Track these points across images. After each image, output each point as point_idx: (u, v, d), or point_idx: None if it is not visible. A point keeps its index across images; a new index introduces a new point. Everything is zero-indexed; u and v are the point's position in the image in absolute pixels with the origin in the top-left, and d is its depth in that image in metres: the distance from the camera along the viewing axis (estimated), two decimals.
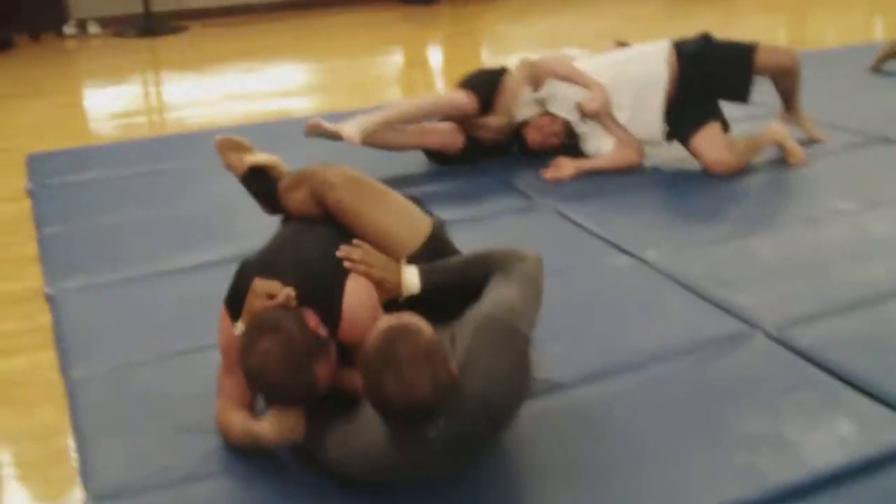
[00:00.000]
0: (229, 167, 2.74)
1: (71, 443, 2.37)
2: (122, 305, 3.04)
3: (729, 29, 6.90)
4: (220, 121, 5.09)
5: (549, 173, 3.95)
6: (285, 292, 2.11)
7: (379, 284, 2.25)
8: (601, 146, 4.00)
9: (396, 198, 2.44)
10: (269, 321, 2.05)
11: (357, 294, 2.19)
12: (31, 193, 3.99)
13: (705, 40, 3.98)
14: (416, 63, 6.89)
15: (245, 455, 2.22)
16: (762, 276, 3.06)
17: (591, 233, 3.44)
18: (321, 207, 2.38)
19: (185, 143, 4.68)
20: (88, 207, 3.83)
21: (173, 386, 2.57)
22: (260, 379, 2.05)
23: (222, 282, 3.09)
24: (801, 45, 6.85)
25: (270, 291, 2.12)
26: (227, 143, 2.71)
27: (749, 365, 2.55)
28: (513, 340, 1.99)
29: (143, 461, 2.26)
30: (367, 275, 2.23)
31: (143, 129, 5.17)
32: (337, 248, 2.26)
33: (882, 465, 2.12)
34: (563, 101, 4.01)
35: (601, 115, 3.92)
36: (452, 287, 2.25)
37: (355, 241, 2.29)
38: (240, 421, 2.21)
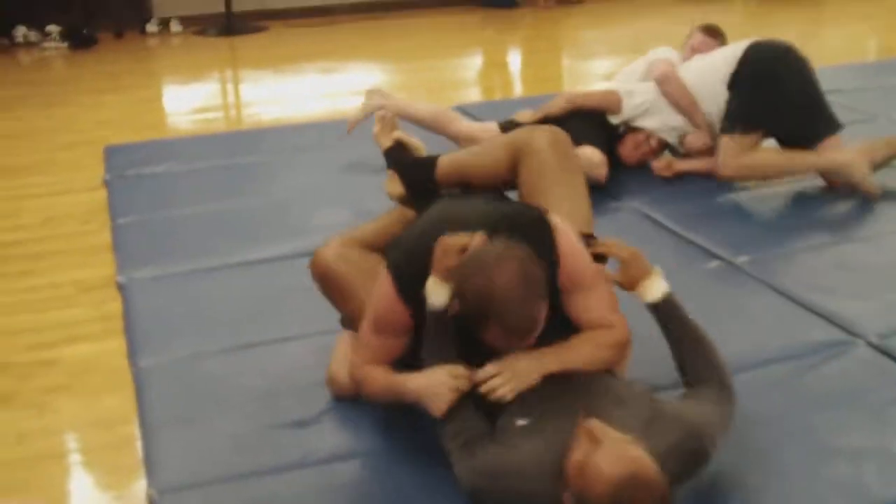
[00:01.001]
0: (377, 137, 2.87)
1: (136, 432, 2.32)
2: (191, 296, 2.98)
3: (816, 37, 6.73)
4: (296, 118, 5.05)
5: (660, 169, 3.83)
6: (480, 236, 2.01)
7: (625, 265, 2.14)
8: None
9: (583, 181, 2.39)
10: (511, 249, 1.93)
11: (570, 241, 2.09)
12: (107, 184, 3.97)
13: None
14: (495, 65, 6.79)
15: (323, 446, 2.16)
16: (862, 283, 2.90)
17: (679, 236, 3.29)
18: (511, 172, 2.38)
19: (261, 138, 4.64)
20: (162, 199, 3.80)
21: (240, 379, 2.50)
22: (489, 302, 1.88)
23: (291, 276, 3.06)
24: (889, 53, 6.62)
25: (463, 244, 2.00)
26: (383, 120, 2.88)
27: (850, 374, 2.40)
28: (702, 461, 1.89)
29: (207, 455, 2.19)
30: (616, 251, 2.16)
31: (219, 125, 5.15)
32: (513, 206, 2.26)
33: None
34: (666, 122, 3.86)
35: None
36: (670, 331, 2.12)
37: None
38: (383, 375, 2.13)
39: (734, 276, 2.98)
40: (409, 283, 2.05)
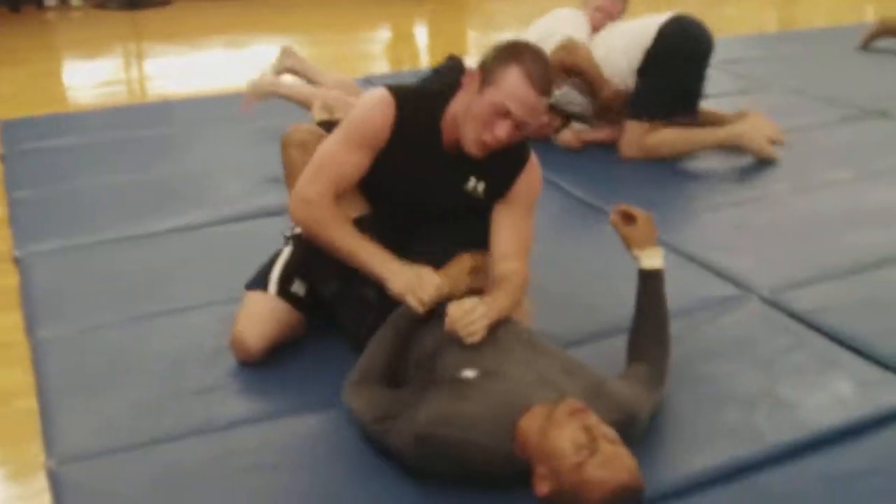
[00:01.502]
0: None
1: (35, 405, 2.26)
2: (91, 269, 2.93)
3: (716, 7, 6.86)
4: (201, 92, 4.97)
5: (568, 142, 3.86)
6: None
7: (639, 225, 2.24)
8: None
9: None
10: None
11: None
12: (2, 158, 3.86)
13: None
14: (403, 38, 6.77)
15: (224, 412, 2.15)
16: (757, 242, 2.99)
17: (581, 200, 3.35)
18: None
19: (164, 111, 4.57)
20: (61, 173, 3.71)
21: (142, 348, 2.47)
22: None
23: (193, 246, 3.04)
24: (790, 24, 6.80)
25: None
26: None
27: (743, 327, 2.48)
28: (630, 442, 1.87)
29: (109, 424, 2.16)
30: (635, 210, 2.26)
31: (122, 99, 5.04)
32: None
33: (879, 425, 2.06)
34: (566, 96, 3.87)
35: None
36: (645, 303, 2.17)
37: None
38: (351, 230, 2.19)
39: None
40: (401, 93, 2.17)
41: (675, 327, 2.44)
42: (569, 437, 1.69)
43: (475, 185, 2.23)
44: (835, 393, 2.16)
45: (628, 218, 2.24)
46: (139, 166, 3.76)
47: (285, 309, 2.35)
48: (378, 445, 1.94)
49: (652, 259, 2.18)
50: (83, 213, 3.32)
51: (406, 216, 2.26)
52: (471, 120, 2.10)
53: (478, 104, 2.08)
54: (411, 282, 2.08)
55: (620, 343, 2.20)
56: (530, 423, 1.78)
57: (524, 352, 1.99)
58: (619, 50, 3.67)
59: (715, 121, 3.81)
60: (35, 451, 2.11)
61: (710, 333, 2.44)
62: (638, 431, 1.91)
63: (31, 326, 2.58)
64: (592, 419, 1.73)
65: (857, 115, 4.18)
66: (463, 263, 2.16)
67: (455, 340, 1.99)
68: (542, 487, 1.73)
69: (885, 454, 1.97)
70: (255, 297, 2.37)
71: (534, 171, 2.28)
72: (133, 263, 2.95)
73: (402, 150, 2.18)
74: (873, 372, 2.25)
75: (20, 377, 2.39)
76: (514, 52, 2.09)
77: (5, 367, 2.47)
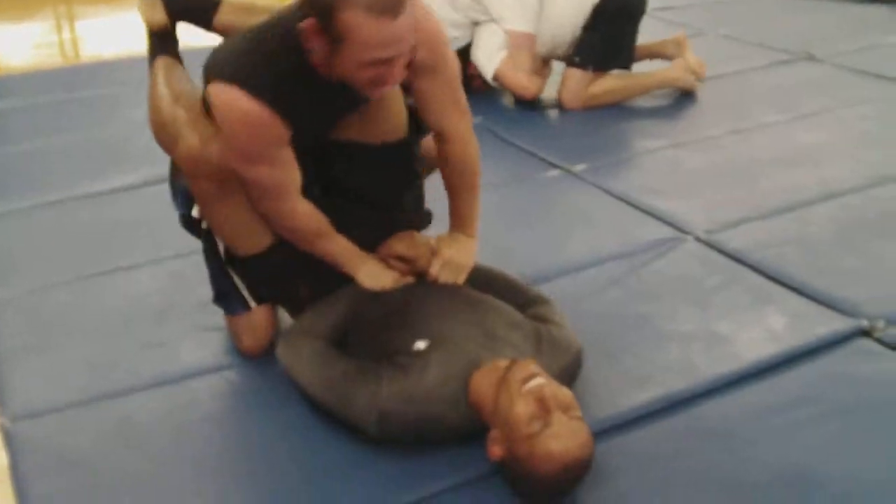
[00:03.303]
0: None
1: None
2: (35, 231, 2.93)
3: None
4: (135, 52, 4.91)
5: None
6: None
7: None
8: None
9: None
10: None
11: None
12: None
13: None
14: None
15: (175, 366, 2.19)
16: (691, 184, 3.06)
17: (520, 148, 3.40)
18: None
19: (100, 72, 4.54)
20: (3, 136, 3.68)
21: (91, 306, 2.49)
22: None
23: (138, 205, 3.04)
24: None
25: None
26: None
27: (680, 267, 2.55)
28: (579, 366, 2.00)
29: (61, 380, 2.18)
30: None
31: (55, 61, 4.97)
32: None
33: (809, 356, 2.14)
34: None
35: None
36: (472, 279, 2.15)
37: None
38: (338, 243, 2.07)
39: (573, 183, 3.10)
40: (259, 81, 1.80)
41: (615, 270, 2.54)
42: (522, 407, 1.68)
43: None
44: (767, 327, 2.25)
45: (403, 259, 2.15)
46: (83, 127, 3.75)
47: (270, 308, 2.23)
48: (327, 415, 1.93)
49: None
50: (27, 175, 3.32)
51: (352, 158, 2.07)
52: (353, 81, 1.80)
53: (346, 66, 1.76)
54: (385, 286, 2.08)
55: (561, 286, 2.26)
56: (482, 383, 1.79)
57: (470, 313, 1.99)
58: (571, 8, 3.69)
59: (652, 51, 3.95)
60: None
61: (649, 275, 2.51)
62: (581, 363, 1.99)
63: None
64: (547, 387, 1.70)
65: (786, 60, 4.27)
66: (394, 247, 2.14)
67: (399, 312, 2.00)
68: (495, 451, 1.73)
69: (814, 383, 2.05)
70: (244, 318, 2.20)
71: (424, 34, 1.86)
72: (81, 223, 2.95)
73: (305, 118, 1.88)
74: (804, 306, 2.34)
75: None
76: None
77: None
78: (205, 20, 2.24)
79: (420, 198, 2.27)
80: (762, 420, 1.94)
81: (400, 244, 2.15)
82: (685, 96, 3.87)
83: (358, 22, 1.67)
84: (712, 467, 1.82)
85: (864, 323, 2.24)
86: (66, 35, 5.74)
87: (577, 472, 1.69)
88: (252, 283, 2.17)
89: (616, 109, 3.76)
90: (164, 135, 2.07)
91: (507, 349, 1.89)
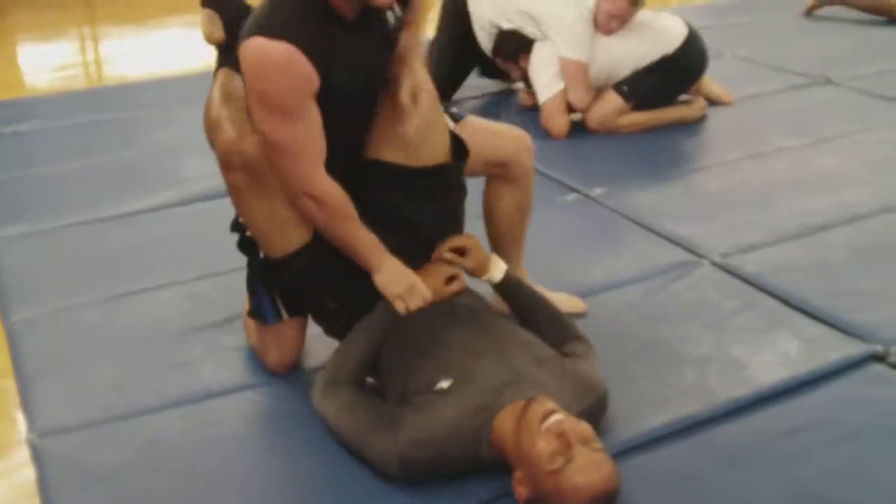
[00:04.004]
0: None
1: (14, 384, 2.33)
2: (63, 251, 2.98)
3: None
4: (158, 73, 4.99)
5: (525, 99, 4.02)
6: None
7: (472, 253, 2.16)
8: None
9: None
10: None
11: None
12: None
13: None
14: None
15: (199, 385, 2.23)
16: (708, 208, 3.09)
17: (538, 172, 3.41)
18: None
19: (124, 94, 4.60)
20: (28, 158, 3.75)
21: (115, 327, 2.54)
22: None
23: (161, 226, 3.10)
24: None
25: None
26: None
27: (696, 291, 2.58)
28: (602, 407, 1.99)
29: (86, 398, 2.23)
30: (463, 242, 2.17)
31: (79, 82, 5.05)
32: None
33: (822, 381, 2.18)
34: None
35: None
36: (521, 304, 2.19)
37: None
38: (355, 227, 2.02)
39: (590, 208, 3.14)
40: (279, 24, 1.85)
41: (632, 294, 2.57)
42: (543, 443, 1.70)
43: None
44: (782, 351, 2.27)
45: (459, 251, 2.18)
46: (105, 149, 3.80)
47: (302, 321, 2.27)
48: (354, 454, 1.96)
49: (497, 269, 2.20)
50: (52, 196, 3.36)
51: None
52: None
53: None
54: (403, 288, 2.06)
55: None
56: (504, 426, 1.81)
57: (495, 349, 1.98)
58: (639, 52, 3.74)
59: None
60: (16, 427, 2.18)
61: (665, 299, 2.54)
62: (606, 407, 1.98)
63: (5, 309, 2.63)
64: (566, 422, 1.73)
65: (803, 83, 4.30)
66: (440, 272, 2.14)
67: (424, 348, 2.00)
68: (521, 491, 1.75)
69: (827, 408, 2.08)
70: (273, 331, 2.23)
71: None
72: (103, 245, 3.00)
73: (334, 67, 1.91)
74: (818, 330, 2.37)
75: None
76: None
77: None
78: None
79: (460, 222, 2.26)
80: (775, 443, 1.97)
81: (458, 238, 2.18)
82: (702, 120, 3.90)
83: None
84: (726, 490, 1.85)
85: (879, 348, 2.26)
86: (91, 56, 5.83)
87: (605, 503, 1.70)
88: (282, 288, 2.18)
89: (633, 134, 3.79)
90: (210, 132, 2.16)
91: (530, 387, 1.88)
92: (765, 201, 3.11)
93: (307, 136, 1.92)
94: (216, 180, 3.33)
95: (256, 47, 1.84)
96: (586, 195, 3.21)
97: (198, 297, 2.62)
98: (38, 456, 2.02)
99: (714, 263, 2.71)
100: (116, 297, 2.67)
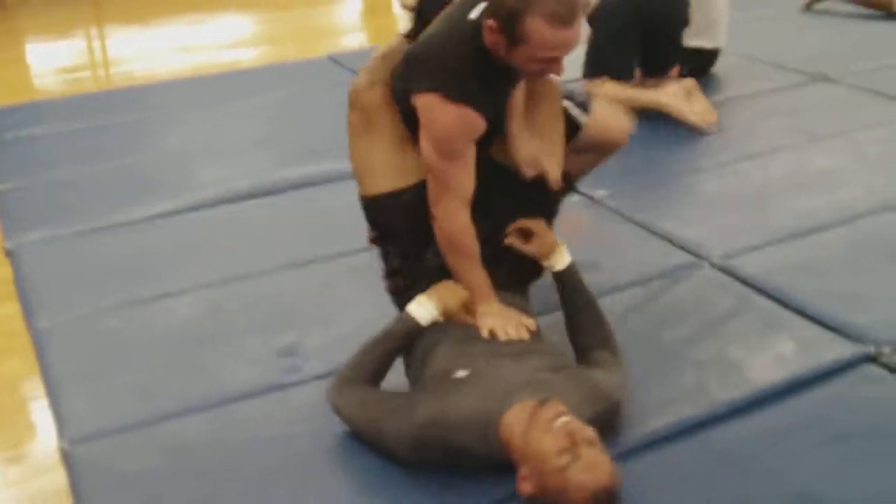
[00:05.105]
0: None
1: (40, 391, 2.42)
2: (82, 257, 3.07)
3: None
4: (167, 74, 5.07)
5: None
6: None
7: (539, 237, 2.31)
8: None
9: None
10: None
11: None
12: None
13: None
14: (370, 13, 6.85)
15: (222, 389, 2.32)
16: (708, 210, 3.18)
17: None
18: None
19: (135, 96, 4.68)
20: (42, 162, 3.83)
21: (138, 332, 2.63)
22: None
23: (179, 231, 3.18)
24: None
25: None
26: None
27: (696, 293, 2.67)
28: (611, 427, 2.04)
29: (114, 404, 2.32)
30: (532, 225, 2.32)
31: (89, 84, 5.14)
32: None
33: (818, 381, 2.26)
34: None
35: None
36: (572, 299, 2.28)
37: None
38: (478, 271, 2.23)
39: (594, 209, 3.22)
40: (457, 86, 2.07)
41: (633, 296, 2.66)
42: (552, 441, 1.78)
43: None
44: (778, 353, 2.36)
45: (525, 234, 2.32)
46: (117, 153, 3.89)
47: None
48: (368, 443, 2.06)
49: (562, 259, 2.30)
50: (68, 202, 3.45)
51: None
52: (521, 69, 2.09)
53: (519, 59, 2.04)
54: (498, 322, 2.19)
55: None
56: (512, 422, 1.88)
57: (517, 354, 2.08)
58: None
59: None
60: (48, 433, 2.27)
61: (665, 301, 2.63)
62: (619, 417, 2.06)
63: (29, 316, 2.73)
64: (574, 423, 1.81)
65: (802, 81, 4.36)
66: (456, 294, 2.22)
67: (452, 342, 2.12)
68: (525, 487, 1.82)
69: (822, 409, 2.17)
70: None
71: None
72: (123, 250, 3.09)
73: (486, 102, 2.14)
74: (814, 331, 2.45)
75: (25, 365, 2.55)
76: None
77: (10, 356, 2.63)
78: None
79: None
80: (772, 444, 2.06)
81: (527, 221, 2.33)
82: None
83: (539, 28, 1.96)
84: (724, 491, 1.94)
85: (872, 349, 2.35)
86: (99, 57, 5.91)
87: (607, 502, 1.79)
88: (374, 223, 2.37)
89: (633, 135, 3.86)
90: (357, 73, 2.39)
91: (542, 390, 1.95)
92: (763, 202, 3.19)
93: (461, 175, 2.17)
94: (229, 185, 3.47)
95: (435, 109, 2.09)
96: (590, 197, 3.29)
97: (216, 303, 2.72)
98: (69, 463, 2.11)
99: (714, 265, 2.79)
100: (136, 302, 2.76)
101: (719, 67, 4.43)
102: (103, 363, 2.49)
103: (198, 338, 2.57)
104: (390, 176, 2.30)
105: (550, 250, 2.31)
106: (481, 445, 1.92)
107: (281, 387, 2.34)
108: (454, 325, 2.18)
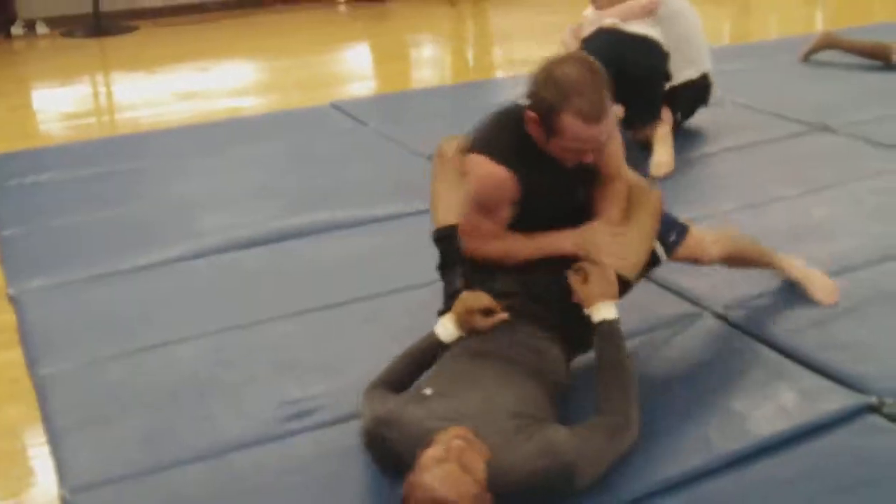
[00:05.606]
0: None
1: (41, 439, 2.42)
2: (85, 304, 3.08)
3: None
4: (171, 120, 5.12)
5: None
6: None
7: (594, 277, 2.35)
8: None
9: None
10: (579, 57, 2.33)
11: None
12: None
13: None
14: (381, 61, 6.91)
15: (224, 438, 2.32)
16: None
17: None
18: None
19: (138, 143, 4.72)
20: (46, 209, 3.85)
21: (140, 380, 2.63)
22: (562, 83, 2.23)
23: (182, 278, 3.20)
24: (745, 37, 7.06)
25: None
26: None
27: (698, 343, 2.68)
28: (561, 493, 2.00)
29: (115, 453, 2.32)
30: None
31: (94, 130, 5.18)
32: None
33: (819, 432, 2.27)
34: None
35: None
36: (605, 355, 2.26)
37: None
38: (529, 240, 2.44)
39: None
40: (497, 150, 2.37)
41: (634, 346, 2.65)
42: (431, 449, 1.89)
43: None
44: (780, 403, 2.37)
45: (583, 272, 2.35)
46: (120, 200, 3.91)
47: None
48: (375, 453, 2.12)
49: (602, 312, 2.29)
50: (72, 249, 3.47)
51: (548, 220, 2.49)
52: (556, 155, 2.34)
53: (554, 148, 2.32)
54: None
55: (582, 362, 2.42)
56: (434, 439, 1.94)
57: (493, 387, 2.13)
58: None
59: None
60: (48, 481, 2.27)
61: (667, 351, 2.64)
62: (573, 484, 1.97)
63: (32, 363, 2.73)
64: (465, 447, 1.89)
65: (802, 131, 4.41)
66: (479, 300, 2.32)
67: (445, 360, 2.27)
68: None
69: (823, 459, 2.17)
70: None
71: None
72: (126, 297, 3.10)
73: (528, 185, 2.39)
74: (815, 381, 2.46)
75: (27, 412, 2.55)
76: (560, 95, 2.23)
77: (12, 402, 2.63)
78: None
79: None
80: (775, 495, 2.06)
81: (588, 264, 2.39)
82: (700, 169, 4.00)
83: (571, 124, 2.24)
84: None
85: (874, 399, 2.35)
86: (104, 102, 5.96)
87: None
88: (441, 252, 2.51)
89: None
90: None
91: (490, 429, 1.99)
92: None
93: (490, 227, 2.43)
94: (232, 232, 3.49)
95: (477, 164, 2.40)
96: None
97: (218, 351, 2.73)
98: None
99: (716, 315, 2.81)
100: (138, 350, 2.77)
101: (718, 117, 4.47)
102: (105, 411, 2.49)
103: (200, 386, 2.57)
104: (449, 215, 2.49)
105: (595, 298, 2.31)
106: (409, 457, 1.95)
107: (282, 436, 2.34)
108: (465, 344, 2.29)
